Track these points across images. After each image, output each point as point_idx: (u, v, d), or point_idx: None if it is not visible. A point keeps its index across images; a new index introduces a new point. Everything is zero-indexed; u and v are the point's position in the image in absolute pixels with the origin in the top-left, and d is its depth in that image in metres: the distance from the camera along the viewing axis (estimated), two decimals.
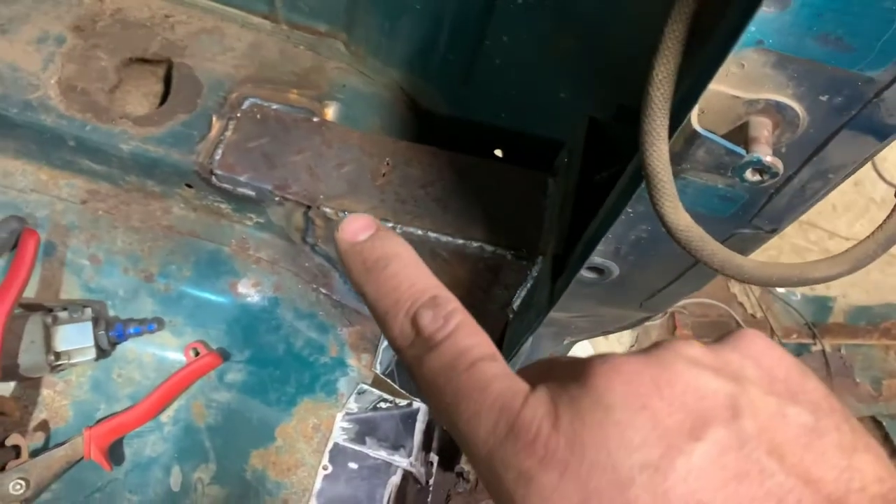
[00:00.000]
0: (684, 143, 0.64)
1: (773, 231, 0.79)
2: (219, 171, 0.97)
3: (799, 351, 2.42)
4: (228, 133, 1.00)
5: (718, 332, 2.45)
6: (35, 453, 0.94)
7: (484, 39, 1.02)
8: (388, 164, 1.03)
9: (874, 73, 0.51)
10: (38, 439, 0.96)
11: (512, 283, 1.04)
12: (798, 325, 2.47)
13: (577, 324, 1.16)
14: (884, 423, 2.17)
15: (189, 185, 1.01)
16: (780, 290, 2.59)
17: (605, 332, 1.19)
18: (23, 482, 0.90)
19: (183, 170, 0.98)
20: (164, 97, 1.04)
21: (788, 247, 2.64)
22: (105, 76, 1.01)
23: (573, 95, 1.06)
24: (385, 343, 1.19)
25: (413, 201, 1.00)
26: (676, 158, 0.65)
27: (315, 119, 1.05)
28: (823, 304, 2.52)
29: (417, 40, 1.05)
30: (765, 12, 0.48)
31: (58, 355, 0.96)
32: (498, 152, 1.20)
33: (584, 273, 0.96)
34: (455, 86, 1.10)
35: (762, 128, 0.58)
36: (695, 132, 0.60)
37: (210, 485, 1.03)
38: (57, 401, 0.99)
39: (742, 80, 0.57)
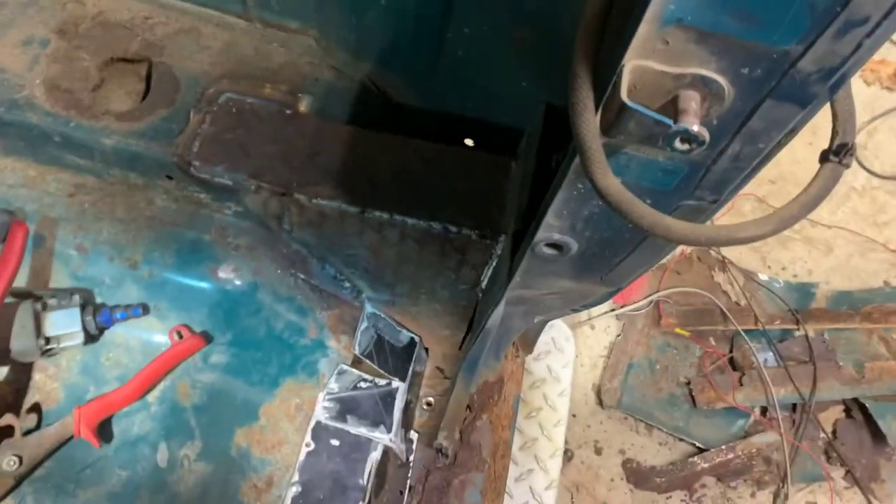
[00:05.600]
0: (616, 116, 0.69)
1: (715, 202, 0.84)
2: (196, 163, 1.03)
3: (783, 336, 2.46)
4: (205, 126, 1.06)
5: (703, 320, 2.50)
6: (28, 433, 1.00)
7: (446, 32, 1.07)
8: (359, 152, 1.08)
9: (787, 46, 0.56)
10: (30, 421, 1.01)
11: (478, 262, 1.09)
12: (782, 311, 2.51)
13: (545, 301, 1.21)
14: (867, 406, 2.21)
15: (169, 177, 1.07)
16: (764, 277, 2.63)
17: (574, 310, 1.24)
18: (16, 458, 0.95)
19: (163, 162, 1.04)
20: (145, 95, 1.10)
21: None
22: (88, 75, 1.07)
23: (532, 84, 1.11)
24: (364, 325, 1.24)
25: (383, 187, 1.06)
26: (611, 130, 0.71)
27: (288, 112, 1.10)
28: (806, 291, 2.57)
29: (383, 34, 1.11)
30: None
31: (48, 340, 1.02)
32: (469, 142, 1.26)
33: (545, 249, 1.02)
34: (422, 78, 1.15)
35: (690, 100, 0.63)
36: (624, 105, 0.65)
37: (196, 461, 1.08)
38: (48, 384, 1.04)
39: (668, 56, 0.62)
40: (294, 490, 1.14)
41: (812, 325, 2.49)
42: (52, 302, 1.04)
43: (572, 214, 0.96)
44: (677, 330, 2.49)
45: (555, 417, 1.59)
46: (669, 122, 0.67)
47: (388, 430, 1.20)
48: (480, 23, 1.04)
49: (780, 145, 0.74)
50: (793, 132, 0.72)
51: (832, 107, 0.71)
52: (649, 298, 2.55)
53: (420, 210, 1.04)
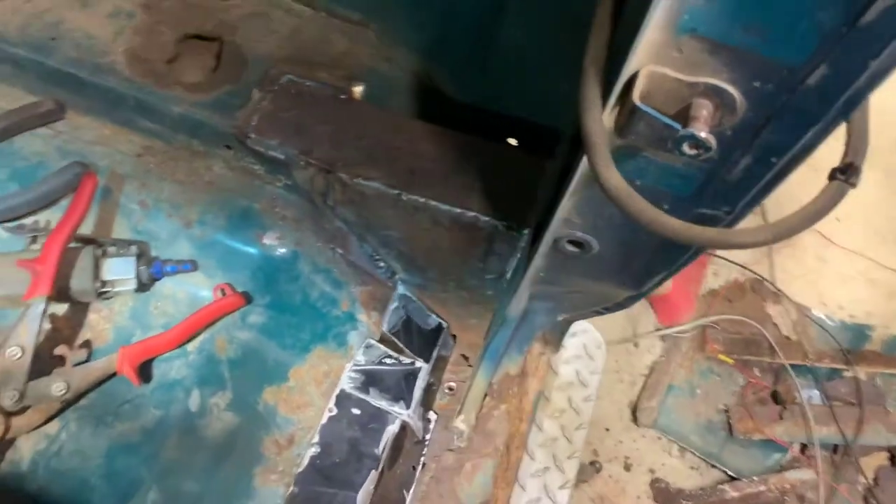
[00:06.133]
0: (628, 117, 0.73)
1: (730, 213, 0.87)
2: (253, 135, 1.12)
3: (831, 376, 2.41)
4: (265, 103, 1.14)
5: (749, 350, 2.47)
6: (77, 365, 1.09)
7: (497, 33, 1.13)
8: (403, 139, 1.15)
9: (796, 64, 0.59)
10: (81, 355, 1.11)
11: (504, 253, 1.14)
12: (833, 350, 2.46)
13: (568, 299, 1.25)
14: None
15: (228, 147, 1.16)
16: (818, 314, 2.58)
17: (597, 312, 1.27)
18: (64, 385, 1.05)
19: (223, 132, 1.13)
20: (215, 70, 1.19)
21: (833, 273, 2.64)
22: (165, 48, 1.17)
23: (573, 88, 1.16)
24: (394, 305, 1.30)
25: (421, 174, 1.12)
26: (624, 131, 0.76)
27: (343, 97, 1.18)
28: (862, 332, 2.51)
29: (438, 32, 1.18)
30: (694, 3, 0.58)
31: (104, 283, 1.12)
32: (513, 141, 1.31)
33: (568, 246, 1.06)
34: (472, 75, 1.21)
35: (702, 108, 0.68)
36: (636, 107, 0.70)
37: (224, 411, 1.16)
38: (100, 324, 1.14)
39: (683, 64, 0.66)
40: (313, 450, 1.21)
41: (864, 368, 2.42)
42: (111, 250, 1.14)
43: (594, 213, 1.01)
44: (722, 357, 2.46)
45: (577, 421, 1.61)
46: (678, 126, 0.72)
47: (407, 407, 1.26)
48: (529, 25, 1.10)
49: (794, 161, 0.77)
50: (806, 150, 0.75)
51: (847, 126, 0.73)
52: (697, 323, 2.53)
53: (453, 198, 1.09)
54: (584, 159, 0.91)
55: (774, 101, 0.66)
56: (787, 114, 0.68)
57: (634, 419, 2.36)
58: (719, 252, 2.69)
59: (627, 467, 2.28)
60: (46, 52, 1.15)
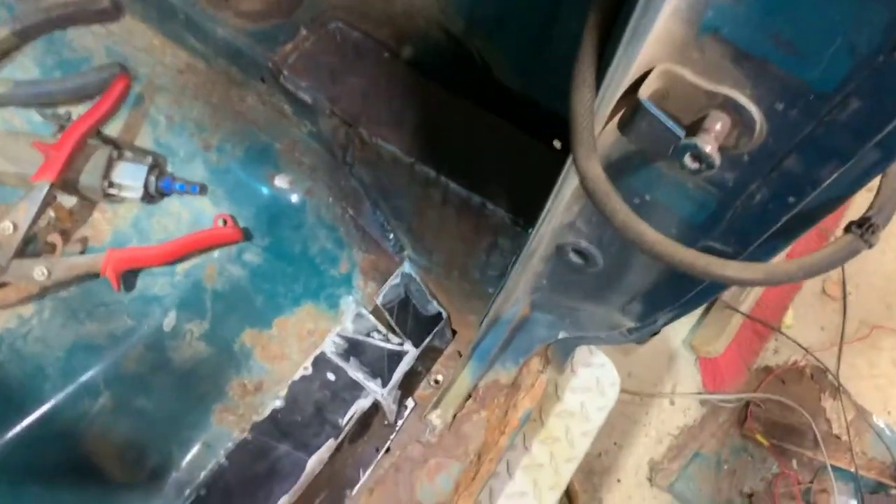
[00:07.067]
0: (632, 113, 0.67)
1: (738, 253, 0.79)
2: (286, 72, 1.10)
3: (875, 489, 2.22)
4: (308, 44, 1.12)
5: (791, 438, 2.30)
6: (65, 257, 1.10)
7: (553, 24, 1.07)
8: (433, 111, 1.10)
9: (825, 89, 0.52)
10: (75, 248, 1.12)
11: (508, 249, 1.08)
12: (884, 462, 2.26)
13: (571, 315, 1.18)
14: None
15: (263, 80, 1.14)
16: (879, 421, 2.39)
17: (601, 340, 1.19)
18: (46, 272, 1.06)
19: (260, 64, 1.11)
20: (270, 2, 1.18)
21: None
22: None
23: None
24: (396, 281, 1.26)
25: (441, 148, 1.07)
26: (626, 127, 0.69)
27: (387, 55, 1.15)
28: None
29: (497, 12, 1.12)
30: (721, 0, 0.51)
31: (111, 184, 1.12)
32: (557, 144, 1.24)
33: (573, 256, 0.99)
34: (525, 62, 1.15)
35: (717, 121, 0.61)
36: (639, 103, 0.63)
37: (198, 339, 1.15)
38: (101, 224, 1.15)
39: (703, 68, 0.60)
40: (277, 403, 1.18)
41: None
42: (128, 154, 1.14)
43: (601, 224, 0.94)
44: (759, 437, 2.31)
45: (569, 454, 1.52)
46: (680, 132, 0.65)
47: (384, 386, 1.21)
48: (582, 23, 1.03)
49: (820, 211, 0.69)
50: (833, 200, 0.67)
51: (881, 179, 0.65)
52: (742, 395, 2.39)
53: (465, 178, 1.04)
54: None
55: (799, 129, 0.59)
56: (812, 148, 0.60)
57: (650, 478, 2.24)
58: (784, 329, 2.53)
59: None
60: None
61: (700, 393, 2.40)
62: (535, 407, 1.43)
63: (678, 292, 0.96)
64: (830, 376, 2.42)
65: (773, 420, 2.34)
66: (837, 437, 2.32)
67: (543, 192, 1.05)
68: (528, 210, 1.03)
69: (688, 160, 0.63)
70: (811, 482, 2.23)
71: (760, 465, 2.32)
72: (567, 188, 0.88)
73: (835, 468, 2.21)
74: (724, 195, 0.72)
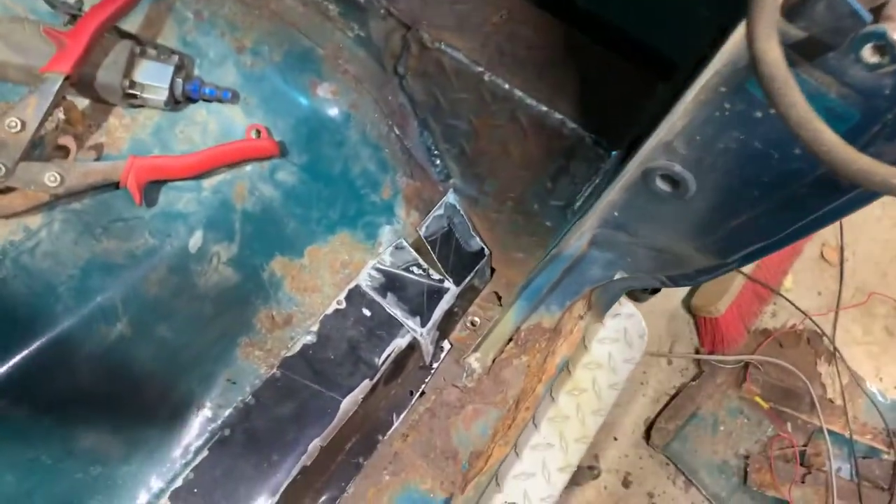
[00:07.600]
0: None
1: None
2: None
3: (868, 454, 2.22)
4: None
5: (788, 402, 2.27)
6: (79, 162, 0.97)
7: None
8: (502, 16, 0.99)
9: None
10: (89, 155, 0.99)
11: (580, 175, 0.99)
12: (877, 428, 2.26)
13: (635, 255, 1.09)
14: None
15: None
16: (872, 387, 2.39)
17: (661, 281, 1.11)
18: (58, 177, 0.92)
19: None
20: None
21: None
22: None
23: (714, 14, 0.99)
24: (439, 212, 1.16)
25: (512, 57, 0.97)
26: (795, 13, 0.59)
27: None
28: None
29: None
30: None
31: (133, 84, 0.99)
32: None
33: (660, 183, 0.90)
34: None
35: None
36: None
37: (224, 264, 1.03)
38: (119, 131, 1.01)
39: None
40: (309, 338, 1.07)
41: None
42: (151, 52, 1.01)
43: (705, 143, 0.84)
44: (758, 399, 2.28)
45: (596, 405, 1.45)
46: (868, 17, 0.55)
47: (423, 325, 1.11)
48: None
49: None
50: None
51: None
52: (741, 357, 2.35)
53: (541, 93, 0.94)
54: (712, 70, 0.75)
55: None
56: None
57: (647, 437, 2.21)
58: (783, 292, 2.51)
59: (626, 484, 2.13)
60: None
61: (698, 353, 2.37)
62: (570, 355, 1.35)
63: (777, 228, 0.88)
64: (826, 341, 2.41)
65: (769, 383, 2.32)
66: (832, 402, 2.31)
67: (625, 108, 0.95)
68: (610, 130, 0.93)
69: (867, 53, 0.54)
70: (805, 445, 2.22)
71: (757, 428, 2.30)
72: (681, 102, 0.78)
73: (830, 432, 2.20)
74: (873, 109, 0.63)
